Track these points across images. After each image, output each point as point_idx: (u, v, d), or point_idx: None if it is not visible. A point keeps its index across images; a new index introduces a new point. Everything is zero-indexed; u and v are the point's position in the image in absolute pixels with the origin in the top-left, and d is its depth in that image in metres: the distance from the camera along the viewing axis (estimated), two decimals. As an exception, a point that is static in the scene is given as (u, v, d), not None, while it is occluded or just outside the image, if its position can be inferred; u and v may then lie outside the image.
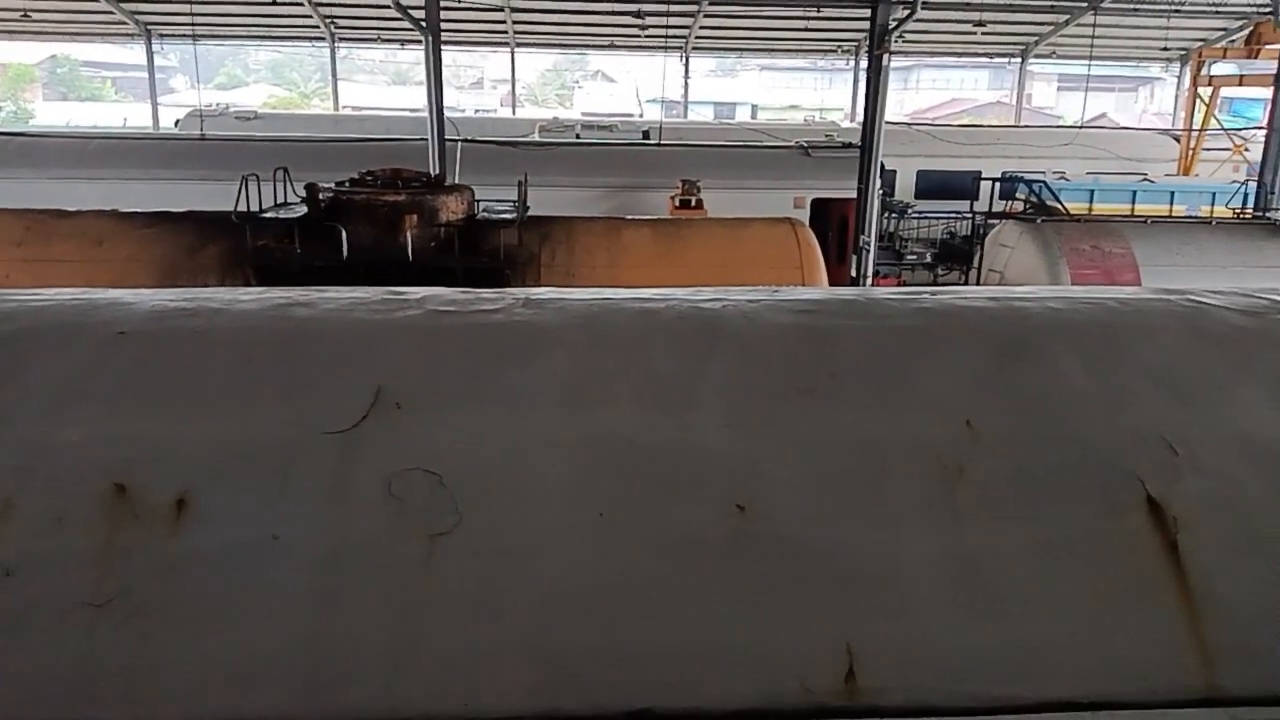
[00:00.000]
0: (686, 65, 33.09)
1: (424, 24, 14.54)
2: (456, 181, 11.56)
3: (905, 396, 2.68)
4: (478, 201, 10.48)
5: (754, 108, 58.78)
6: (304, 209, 9.62)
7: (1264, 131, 19.54)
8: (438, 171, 12.16)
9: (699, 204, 16.22)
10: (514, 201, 10.27)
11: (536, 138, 22.58)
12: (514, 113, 34.64)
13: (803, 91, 64.00)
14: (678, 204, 16.34)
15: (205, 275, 9.34)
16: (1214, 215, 19.80)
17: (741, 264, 9.91)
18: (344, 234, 9.07)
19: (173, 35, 29.76)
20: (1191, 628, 2.27)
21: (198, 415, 2.53)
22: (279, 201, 10.06)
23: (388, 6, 16.24)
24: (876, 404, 2.65)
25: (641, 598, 2.26)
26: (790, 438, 2.56)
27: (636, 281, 6.94)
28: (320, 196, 9.47)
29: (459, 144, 15.19)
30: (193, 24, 24.81)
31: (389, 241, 9.26)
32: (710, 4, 26.04)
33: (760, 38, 31.22)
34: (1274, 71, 18.96)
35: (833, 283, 15.85)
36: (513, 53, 31.68)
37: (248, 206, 9.30)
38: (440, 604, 2.25)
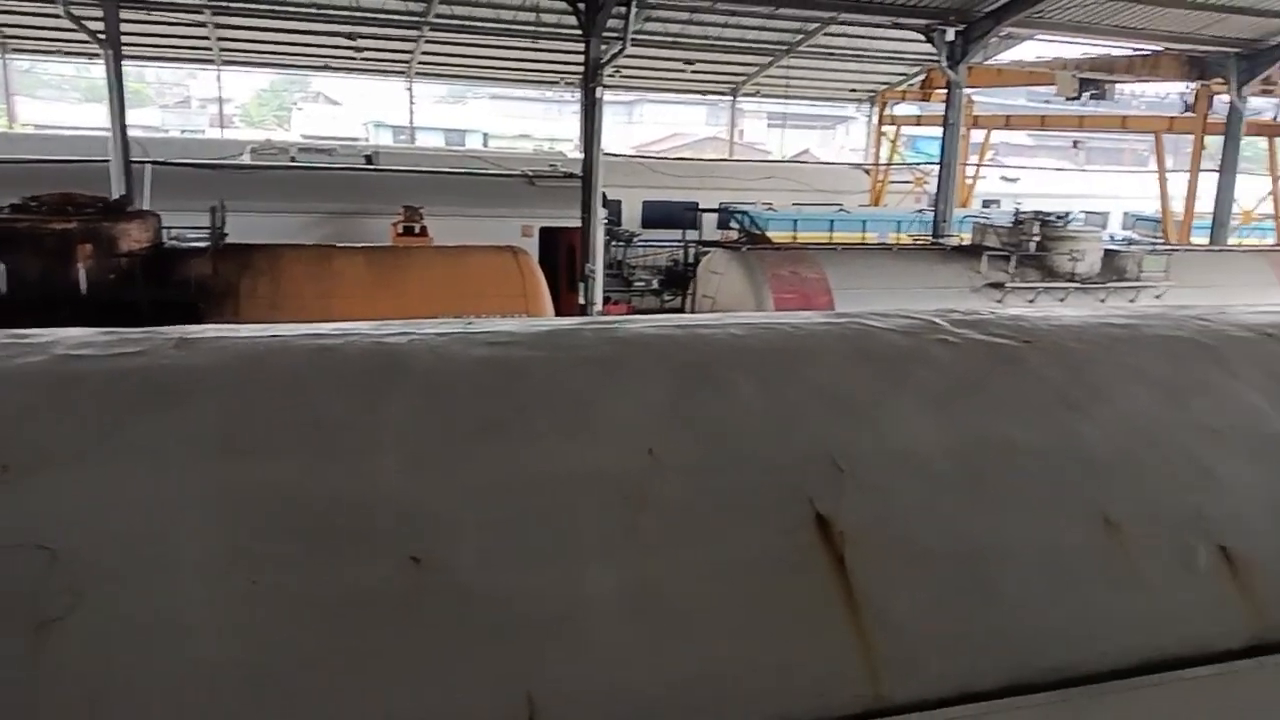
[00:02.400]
0: (410, 90, 32.50)
1: (102, 36, 13.20)
2: (147, 207, 10.53)
3: (592, 428, 2.63)
4: (167, 229, 9.57)
5: (485, 136, 58.84)
6: (-49, 239, 8.36)
7: (938, 167, 21.97)
8: (121, 195, 11.02)
9: (423, 231, 15.83)
10: (211, 228, 9.49)
11: (248, 160, 21.21)
12: (222, 133, 32.46)
13: (534, 121, 64.90)
14: (400, 231, 15.87)
15: None
16: (898, 242, 22.03)
17: (464, 293, 9.72)
18: (3, 267, 7.96)
19: None
20: (860, 640, 2.36)
21: None
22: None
23: (62, 16, 14.64)
24: (563, 437, 2.58)
25: (300, 671, 2.03)
26: (473, 479, 2.42)
27: (351, 313, 6.57)
28: (-30, 225, 8.28)
29: (146, 166, 13.89)
30: None
31: (59, 274, 8.24)
32: (432, 30, 25.74)
33: (484, 66, 31.26)
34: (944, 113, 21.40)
35: (565, 310, 16.03)
36: (219, 71, 29.69)
37: (-123, 238, 7.96)
38: (55, 704, 1.91)
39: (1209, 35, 21.32)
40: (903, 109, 32.76)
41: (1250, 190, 25.34)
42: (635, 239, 24.55)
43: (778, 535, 2.46)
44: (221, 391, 2.49)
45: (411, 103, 32.85)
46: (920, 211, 24.05)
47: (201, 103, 55.34)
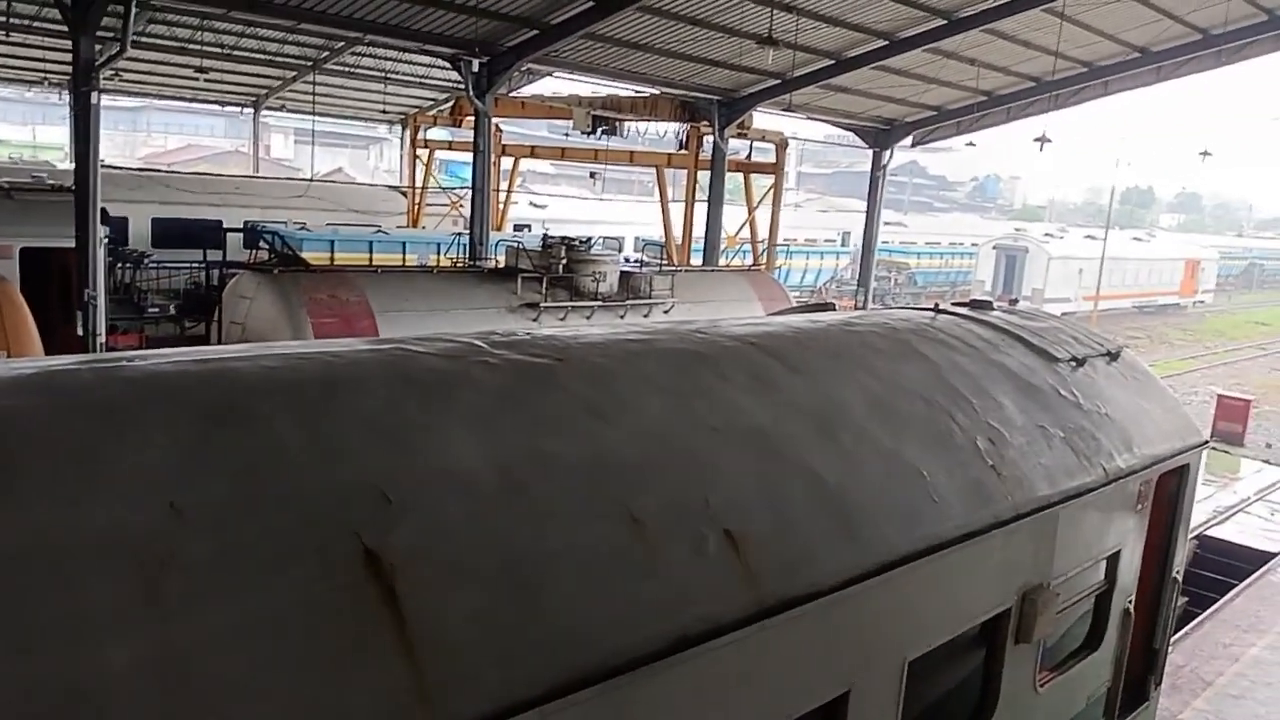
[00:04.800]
0: None
1: None
2: None
3: (97, 486, 2.29)
4: None
5: (-58, 139, 49.62)
6: None
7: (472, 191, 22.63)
8: None
9: None
10: None
11: None
12: None
13: (11, 127, 56.63)
14: None
15: None
16: (439, 264, 22.35)
17: (-84, 330, 8.00)
18: None
19: None
20: (413, 669, 2.33)
21: None
22: None
23: None
24: (58, 500, 2.22)
25: None
26: (-66, 560, 1.99)
27: None
28: None
29: None
30: None
31: None
32: None
33: (-62, 57, 26.20)
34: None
35: (60, 346, 13.87)
36: None
37: None
38: None
39: (696, 83, 24.57)
40: (435, 133, 33.32)
41: (734, 218, 29.55)
42: (147, 260, 22.07)
43: (322, 578, 2.34)
44: None
45: None
46: (458, 234, 24.60)
47: None
